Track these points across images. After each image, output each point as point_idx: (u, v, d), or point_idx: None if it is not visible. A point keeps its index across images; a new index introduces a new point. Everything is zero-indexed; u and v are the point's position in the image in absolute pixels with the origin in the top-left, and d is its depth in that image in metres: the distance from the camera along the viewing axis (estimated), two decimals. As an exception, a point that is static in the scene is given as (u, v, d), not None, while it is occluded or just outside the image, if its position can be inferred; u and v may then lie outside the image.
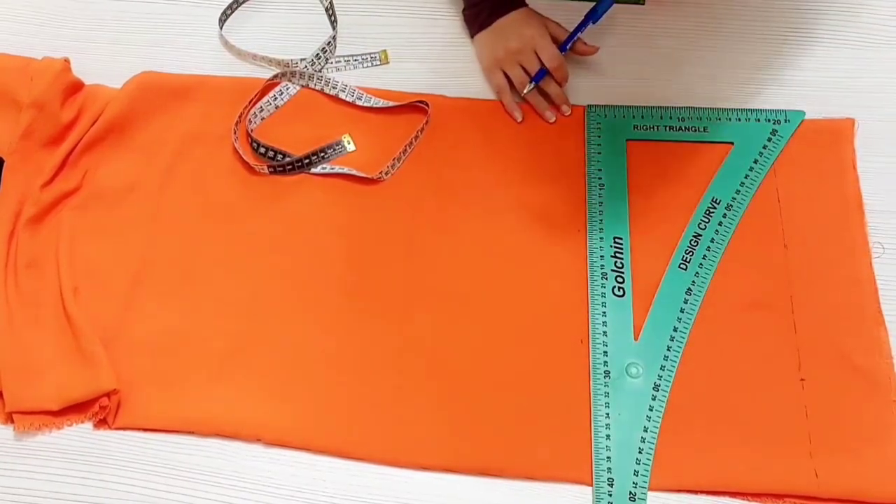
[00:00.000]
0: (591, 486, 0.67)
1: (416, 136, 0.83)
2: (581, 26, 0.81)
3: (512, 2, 0.83)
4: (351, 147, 0.83)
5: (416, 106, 0.85)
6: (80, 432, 0.70)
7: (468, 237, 0.78)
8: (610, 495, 0.66)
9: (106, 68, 0.88)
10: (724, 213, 0.77)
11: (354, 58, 0.89)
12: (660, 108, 0.83)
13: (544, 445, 0.69)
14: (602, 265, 0.76)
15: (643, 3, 0.91)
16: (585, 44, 0.82)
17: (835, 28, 0.88)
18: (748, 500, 0.66)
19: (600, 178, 0.80)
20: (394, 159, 0.81)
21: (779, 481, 0.66)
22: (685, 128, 0.82)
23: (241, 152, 0.82)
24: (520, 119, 0.83)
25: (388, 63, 0.89)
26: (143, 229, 0.79)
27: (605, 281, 0.75)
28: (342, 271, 0.77)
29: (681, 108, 0.83)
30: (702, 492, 0.67)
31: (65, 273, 0.76)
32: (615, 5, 0.90)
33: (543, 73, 0.81)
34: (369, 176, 0.81)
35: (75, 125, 0.83)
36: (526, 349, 0.73)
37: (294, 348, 0.73)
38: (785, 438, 0.68)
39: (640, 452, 0.67)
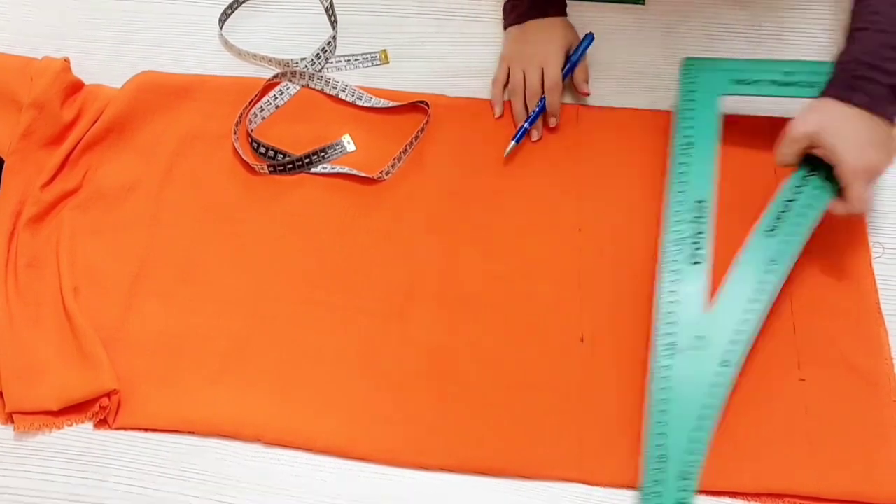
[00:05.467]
0: (593, 485, 0.67)
1: (416, 136, 0.83)
2: (570, 67, 0.82)
3: (549, 7, 0.83)
4: (351, 147, 0.83)
5: (416, 106, 0.85)
6: (81, 432, 0.70)
7: (467, 237, 0.78)
8: (661, 472, 0.64)
9: (106, 68, 0.88)
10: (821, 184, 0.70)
11: (354, 58, 0.89)
12: (765, 61, 0.79)
13: (544, 445, 0.69)
14: (678, 230, 0.71)
15: (643, 3, 0.91)
16: (585, 82, 0.83)
17: (835, 28, 0.88)
18: (748, 499, 0.66)
19: (689, 137, 0.75)
20: (394, 159, 0.81)
21: (778, 481, 0.66)
22: (792, 82, 0.75)
23: (241, 152, 0.82)
24: (497, 114, 0.83)
25: (388, 63, 0.89)
26: (143, 229, 0.79)
27: (679, 247, 0.71)
28: (342, 271, 0.77)
29: (789, 60, 0.79)
30: (700, 491, 0.67)
31: (65, 273, 0.76)
32: (615, 5, 0.91)
33: (540, 110, 0.81)
34: (369, 176, 0.81)
35: (75, 125, 0.83)
36: (526, 348, 0.73)
37: (294, 348, 0.73)
38: (785, 438, 0.68)
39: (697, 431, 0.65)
